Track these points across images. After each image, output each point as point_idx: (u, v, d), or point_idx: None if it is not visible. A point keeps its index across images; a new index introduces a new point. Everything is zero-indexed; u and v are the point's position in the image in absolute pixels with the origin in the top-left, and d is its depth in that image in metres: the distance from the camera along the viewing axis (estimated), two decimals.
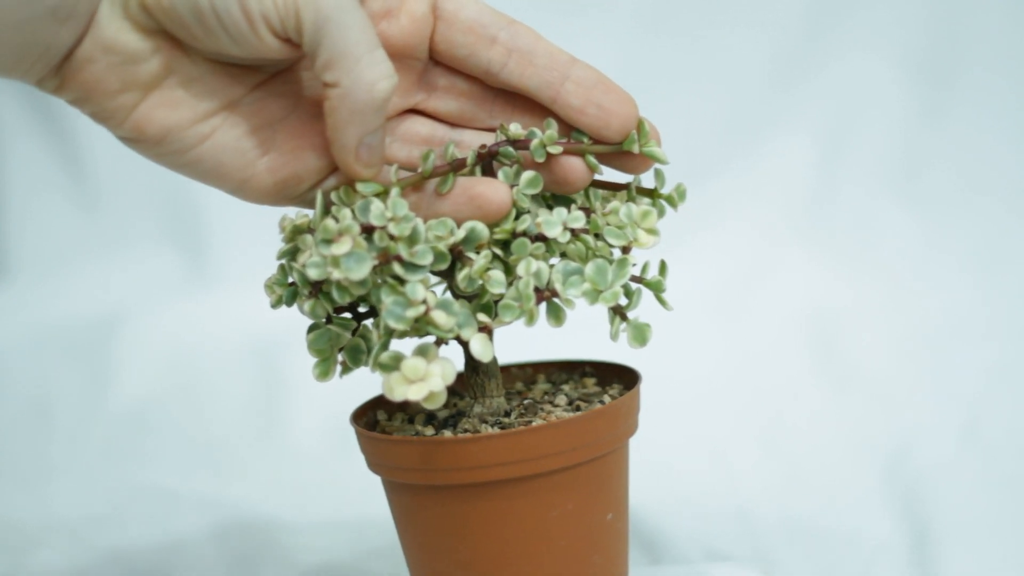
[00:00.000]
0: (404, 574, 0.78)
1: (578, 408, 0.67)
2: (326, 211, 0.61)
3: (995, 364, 1.07)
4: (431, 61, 0.64)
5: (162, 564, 0.83)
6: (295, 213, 0.63)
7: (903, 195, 1.25)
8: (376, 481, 0.93)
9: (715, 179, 1.25)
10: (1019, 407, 1.01)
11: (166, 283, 1.28)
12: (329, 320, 0.63)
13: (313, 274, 0.58)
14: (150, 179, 1.31)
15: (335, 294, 0.59)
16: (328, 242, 0.58)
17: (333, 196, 0.61)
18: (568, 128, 0.63)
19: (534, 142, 0.63)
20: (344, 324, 0.63)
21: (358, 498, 0.92)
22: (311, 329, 0.63)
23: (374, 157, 0.59)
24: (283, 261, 0.63)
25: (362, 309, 0.64)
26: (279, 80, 0.62)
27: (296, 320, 1.23)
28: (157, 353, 1.19)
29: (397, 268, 0.58)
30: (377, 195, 0.61)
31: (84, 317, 1.24)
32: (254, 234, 1.29)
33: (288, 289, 0.63)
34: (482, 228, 0.61)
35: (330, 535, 0.87)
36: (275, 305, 0.63)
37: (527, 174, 0.63)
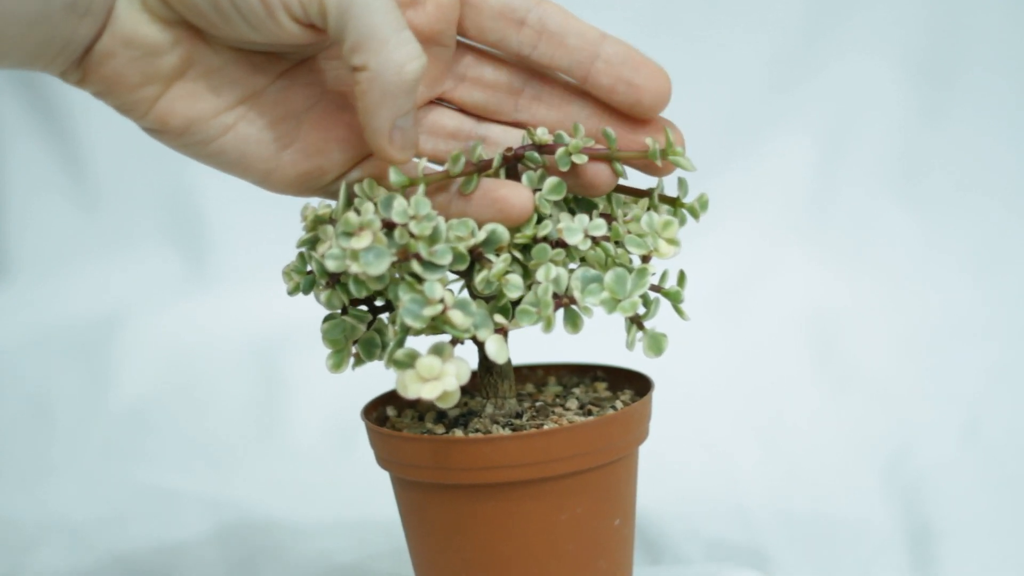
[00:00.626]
0: (407, 574, 0.78)
1: (589, 412, 0.67)
2: (349, 203, 0.62)
3: (995, 364, 1.07)
4: (459, 49, 0.64)
5: (162, 564, 0.83)
6: (318, 202, 0.63)
7: (903, 195, 1.25)
8: (377, 481, 0.93)
9: (715, 179, 1.25)
10: (1019, 407, 1.01)
11: (166, 283, 1.28)
12: (345, 311, 0.63)
13: (331, 266, 0.59)
14: (150, 179, 1.31)
15: (352, 287, 0.60)
16: (348, 235, 0.58)
17: (356, 188, 0.62)
18: (603, 106, 0.63)
19: (559, 151, 0.63)
20: (360, 316, 0.63)
21: (359, 498, 0.92)
22: (326, 320, 0.63)
23: (407, 140, 0.59)
24: (303, 249, 0.63)
25: (379, 303, 0.65)
26: (303, 69, 0.62)
27: (296, 320, 1.24)
28: (157, 353, 1.19)
29: (416, 266, 0.58)
30: (406, 187, 0.61)
31: (84, 317, 1.24)
32: (254, 234, 1.29)
33: (306, 277, 0.63)
34: (503, 231, 0.61)
35: (331, 535, 0.87)
36: (292, 292, 0.64)
37: (551, 180, 0.63)
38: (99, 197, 1.31)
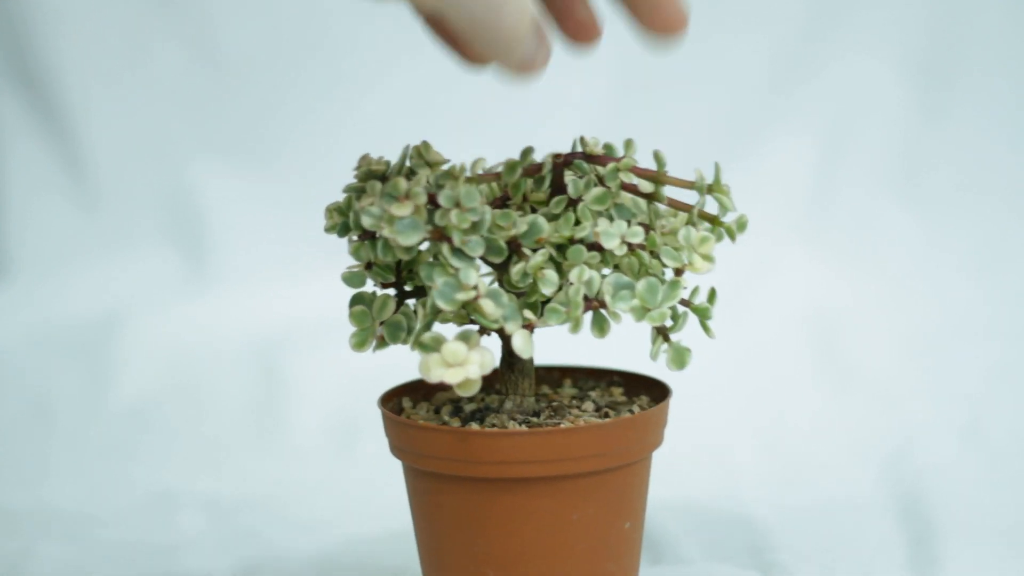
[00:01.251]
0: (408, 569, 0.78)
1: (606, 415, 0.67)
2: (402, 167, 0.62)
3: (996, 364, 1.07)
4: None
5: (162, 564, 0.83)
6: (377, 155, 0.63)
7: (903, 195, 1.25)
8: (378, 480, 0.93)
9: None
10: (1020, 407, 1.01)
11: (166, 283, 1.28)
12: (370, 267, 0.64)
13: (366, 222, 0.59)
14: (150, 179, 1.31)
15: (379, 248, 0.60)
16: (392, 198, 0.59)
17: (413, 150, 0.63)
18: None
19: (609, 166, 0.63)
20: (383, 274, 0.64)
21: (360, 497, 0.92)
22: (354, 301, 0.64)
23: (536, 62, 0.55)
24: (350, 194, 0.64)
25: (408, 288, 0.65)
26: None
27: (297, 319, 1.23)
28: (157, 353, 1.19)
29: (445, 250, 0.59)
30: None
31: (84, 317, 1.24)
32: (254, 234, 1.29)
33: (343, 222, 0.63)
34: (543, 223, 0.62)
35: (331, 534, 0.87)
36: (328, 230, 0.64)
37: (596, 190, 0.63)
38: (99, 197, 1.31)
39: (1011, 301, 1.16)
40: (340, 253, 0.68)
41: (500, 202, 0.65)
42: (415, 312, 0.63)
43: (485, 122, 1.27)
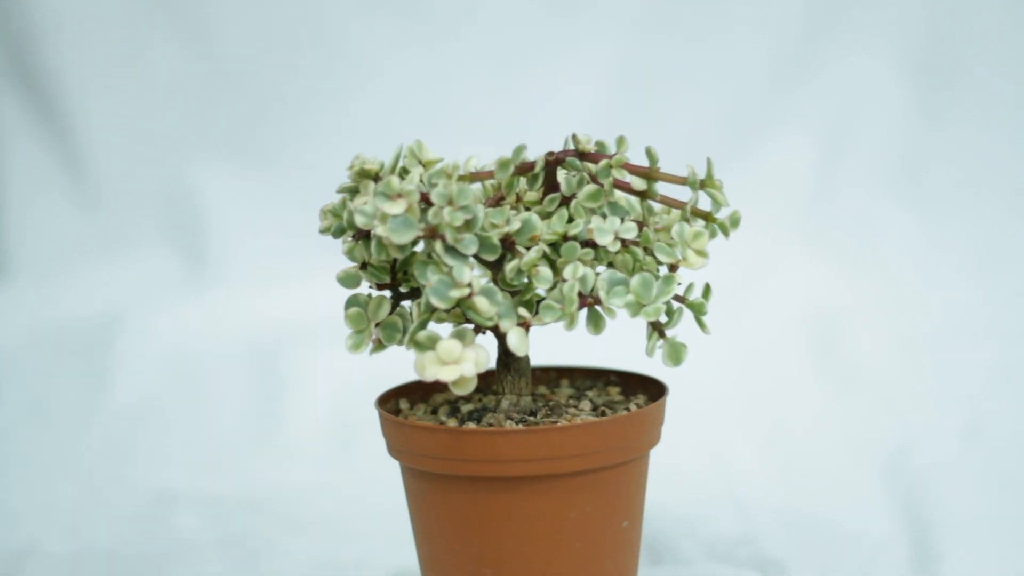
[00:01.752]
0: (407, 569, 0.78)
1: (603, 414, 0.67)
2: (395, 166, 0.62)
3: (996, 363, 1.07)
4: None
5: (162, 564, 0.83)
6: (377, 154, 0.63)
7: (903, 195, 1.25)
8: (376, 479, 0.93)
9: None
10: (1020, 407, 1.01)
11: (166, 283, 1.28)
12: (364, 267, 0.64)
13: (359, 221, 0.59)
14: (150, 179, 1.31)
15: (373, 247, 0.60)
16: (386, 197, 0.59)
17: (407, 149, 0.63)
18: None
19: (601, 163, 0.63)
20: (378, 274, 0.63)
21: (359, 496, 0.92)
22: (349, 303, 0.64)
23: None
24: (344, 195, 0.64)
25: (403, 289, 0.65)
26: None
27: (296, 319, 1.23)
28: (157, 353, 1.19)
29: (438, 247, 0.59)
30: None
31: (84, 317, 1.24)
32: (254, 234, 1.29)
33: (338, 222, 0.63)
34: (536, 220, 0.62)
35: (329, 533, 0.87)
36: (323, 231, 0.64)
37: (588, 187, 0.63)
38: (99, 197, 1.31)
39: (1011, 301, 1.16)
40: (339, 253, 0.68)
41: (495, 202, 0.65)
42: (410, 313, 0.63)
43: (486, 121, 1.27)
